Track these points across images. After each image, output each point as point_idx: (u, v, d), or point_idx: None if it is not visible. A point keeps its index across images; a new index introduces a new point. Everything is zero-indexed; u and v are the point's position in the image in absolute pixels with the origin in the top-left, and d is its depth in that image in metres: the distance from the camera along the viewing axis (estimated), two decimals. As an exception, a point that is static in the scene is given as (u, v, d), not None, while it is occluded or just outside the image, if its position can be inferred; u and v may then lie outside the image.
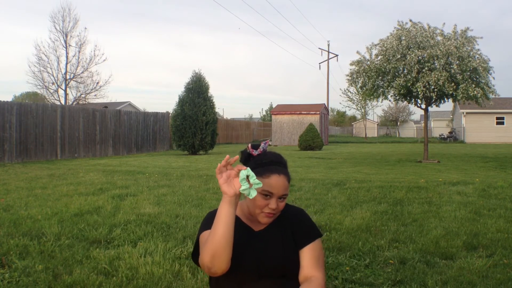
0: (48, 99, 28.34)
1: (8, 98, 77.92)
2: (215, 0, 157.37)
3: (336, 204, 6.08)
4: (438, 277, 3.18)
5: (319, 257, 1.78)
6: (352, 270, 3.35)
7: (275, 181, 1.71)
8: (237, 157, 1.68)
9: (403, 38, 13.46)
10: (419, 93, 13.24)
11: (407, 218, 5.16)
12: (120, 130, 19.05)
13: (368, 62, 13.92)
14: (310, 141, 23.02)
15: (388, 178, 9.09)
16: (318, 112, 29.96)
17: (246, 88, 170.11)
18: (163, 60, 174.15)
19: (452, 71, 12.68)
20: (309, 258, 1.75)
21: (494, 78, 13.56)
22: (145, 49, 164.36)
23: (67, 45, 27.41)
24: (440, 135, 40.63)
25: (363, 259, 3.59)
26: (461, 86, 12.72)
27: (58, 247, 3.89)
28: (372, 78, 13.87)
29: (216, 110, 20.40)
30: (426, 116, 15.09)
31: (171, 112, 21.36)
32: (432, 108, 16.13)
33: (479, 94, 12.83)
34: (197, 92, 18.96)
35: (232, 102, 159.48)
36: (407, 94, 14.27)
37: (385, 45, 13.51)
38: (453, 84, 12.86)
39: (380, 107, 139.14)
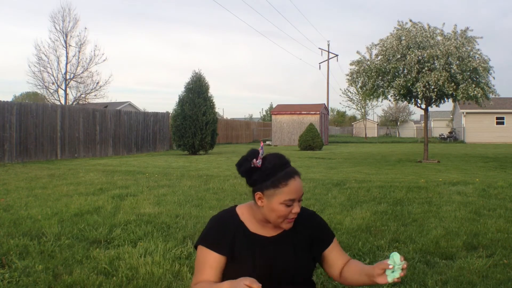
0: (48, 99, 28.35)
1: (8, 98, 77.95)
2: (215, 0, 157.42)
3: (336, 204, 6.08)
4: (438, 277, 3.18)
5: (341, 249, 1.89)
6: (352, 270, 3.35)
7: (294, 186, 1.64)
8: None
9: (403, 38, 13.46)
10: (419, 93, 13.24)
11: (407, 218, 5.16)
12: (120, 130, 19.05)
13: (368, 62, 13.92)
14: (310, 141, 23.02)
15: (388, 178, 9.09)
16: (318, 112, 29.96)
17: (246, 88, 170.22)
18: (163, 60, 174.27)
19: (452, 71, 12.67)
20: (337, 252, 1.83)
21: (494, 78, 13.58)
22: (145, 49, 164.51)
23: (67, 45, 27.43)
24: (440, 135, 40.63)
25: (363, 259, 3.59)
26: (461, 86, 12.72)
27: (58, 247, 3.89)
28: (372, 78, 13.86)
29: (216, 110, 20.42)
30: (426, 116, 15.09)
31: (171, 112, 21.37)
32: (432, 108, 16.13)
33: (479, 94, 12.83)
34: (197, 92, 18.95)
35: (232, 102, 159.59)
36: (407, 94, 14.27)
37: (385, 45, 13.51)
38: (453, 84, 12.86)
39: (380, 107, 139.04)
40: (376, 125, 60.96)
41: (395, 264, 1.54)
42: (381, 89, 14.31)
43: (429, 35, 13.26)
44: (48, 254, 3.70)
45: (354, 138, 46.79)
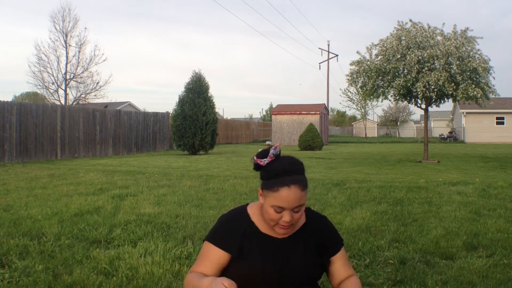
0: (48, 99, 28.36)
1: (8, 98, 77.93)
2: (215, 0, 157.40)
3: (336, 204, 6.08)
4: (438, 277, 3.18)
5: (347, 260, 1.87)
6: (352, 270, 3.35)
7: (285, 195, 1.59)
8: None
9: (403, 38, 13.46)
10: (419, 93, 13.24)
11: (407, 218, 5.16)
12: (120, 130, 19.05)
13: (368, 62, 13.92)
14: (310, 141, 23.02)
15: (388, 178, 9.09)
16: (318, 112, 29.96)
17: (246, 88, 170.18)
18: (163, 60, 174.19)
19: (452, 71, 12.67)
20: (342, 264, 1.81)
21: (494, 78, 13.57)
22: (145, 49, 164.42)
23: (67, 45, 27.43)
24: (440, 135, 40.63)
25: (363, 259, 3.59)
26: (461, 86, 12.72)
27: (58, 247, 3.89)
28: (372, 78, 13.87)
29: (216, 110, 20.42)
30: (426, 116, 15.09)
31: (171, 112, 21.37)
32: (432, 108, 16.13)
33: (479, 94, 12.83)
34: (197, 92, 18.96)
35: (232, 102, 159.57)
36: (407, 94, 14.27)
37: (385, 45, 13.52)
38: (453, 84, 12.86)
39: (380, 107, 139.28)
40: (376, 125, 60.97)
41: None
42: (381, 89, 14.31)
43: (429, 35, 13.26)
44: (48, 254, 3.70)
45: (354, 138, 46.79)
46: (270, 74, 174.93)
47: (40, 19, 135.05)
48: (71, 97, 28.13)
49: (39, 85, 27.57)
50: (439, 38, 13.36)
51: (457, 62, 12.80)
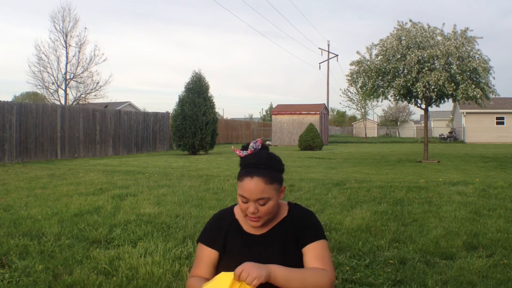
0: (48, 99, 28.37)
1: (8, 98, 77.93)
2: (215, 0, 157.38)
3: (336, 204, 6.08)
4: (438, 277, 3.18)
5: (324, 255, 1.71)
6: (352, 270, 3.35)
7: (247, 185, 1.66)
8: None
9: (403, 38, 13.46)
10: (419, 93, 13.24)
11: (407, 218, 5.16)
12: (120, 130, 19.05)
13: (368, 62, 13.92)
14: (310, 141, 23.02)
15: (388, 178, 9.09)
16: (318, 112, 29.96)
17: (246, 88, 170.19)
18: (163, 60, 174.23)
19: (452, 71, 12.67)
20: (313, 256, 1.70)
21: (494, 78, 13.57)
22: (145, 49, 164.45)
23: (67, 45, 27.45)
24: (440, 135, 40.62)
25: (363, 259, 3.59)
26: (461, 86, 12.72)
27: (58, 247, 3.89)
28: (372, 78, 13.86)
29: (216, 110, 20.42)
30: (426, 116, 15.09)
31: (171, 112, 21.37)
32: (432, 108, 16.13)
33: (479, 94, 12.83)
34: (197, 92, 18.96)
35: (232, 102, 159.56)
36: (407, 94, 14.27)
37: (385, 45, 13.52)
38: (453, 84, 12.85)
39: (380, 107, 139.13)
40: (376, 125, 60.94)
41: None
42: (381, 89, 14.32)
43: (429, 35, 13.26)
44: (48, 254, 3.70)
45: (354, 138, 46.78)
46: (270, 74, 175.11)
47: (40, 19, 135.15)
48: (71, 97, 28.16)
49: (39, 85, 27.61)
50: (439, 38, 13.36)
51: (457, 62, 12.80)
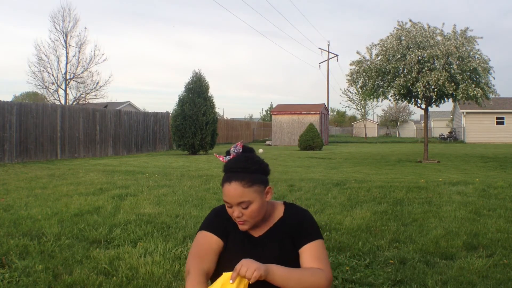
0: (48, 99, 28.35)
1: (8, 98, 77.89)
2: (215, 0, 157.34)
3: (336, 204, 6.08)
4: (438, 277, 3.18)
5: (320, 255, 1.72)
6: (352, 270, 3.35)
7: (226, 190, 1.69)
8: None
9: (403, 38, 13.46)
10: (419, 93, 13.24)
11: (407, 218, 5.16)
12: (120, 130, 19.05)
13: (368, 62, 13.93)
14: (310, 141, 23.02)
15: (388, 178, 9.09)
16: (318, 112, 29.96)
17: (246, 88, 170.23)
18: (163, 60, 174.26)
19: (452, 71, 12.67)
20: (309, 257, 1.71)
21: (494, 78, 13.58)
22: (145, 49, 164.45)
23: (67, 45, 27.44)
24: (440, 135, 40.61)
25: (363, 259, 3.59)
26: (461, 86, 12.72)
27: (58, 247, 3.89)
28: (372, 78, 13.87)
29: (216, 110, 20.41)
30: (426, 116, 15.08)
31: (171, 112, 21.37)
32: (432, 108, 16.13)
33: (479, 94, 12.83)
34: (197, 92, 18.96)
35: (232, 102, 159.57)
36: (407, 94, 14.27)
37: (385, 45, 13.52)
38: (453, 84, 12.85)
39: (380, 107, 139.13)
40: (376, 125, 60.91)
41: None
42: (381, 89, 14.31)
43: (429, 35, 13.26)
44: (48, 254, 3.70)
45: (354, 138, 46.76)
46: (270, 74, 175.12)
47: (40, 19, 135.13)
48: (71, 97, 28.15)
49: (39, 85, 27.59)
50: (439, 38, 13.36)
51: (457, 62, 12.80)
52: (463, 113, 35.37)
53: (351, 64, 14.49)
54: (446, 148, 25.61)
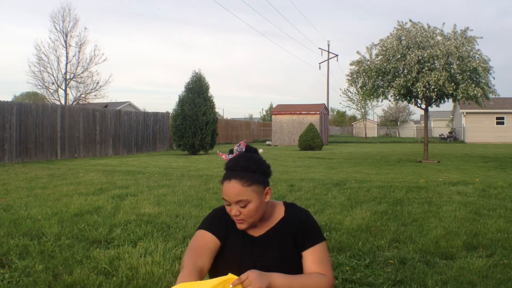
0: (48, 99, 28.33)
1: (8, 98, 77.86)
2: (215, 0, 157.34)
3: (336, 204, 6.08)
4: (438, 277, 3.18)
5: (323, 258, 1.74)
6: (352, 270, 3.35)
7: (225, 188, 1.70)
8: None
9: (403, 38, 13.46)
10: (419, 93, 13.24)
11: (407, 218, 5.16)
12: (120, 130, 19.05)
13: (368, 62, 13.92)
14: (310, 141, 23.02)
15: (388, 178, 9.09)
16: (318, 112, 29.96)
17: (246, 88, 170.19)
18: (163, 60, 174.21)
19: (452, 71, 12.67)
20: (313, 260, 1.73)
21: (494, 78, 13.60)
22: (145, 49, 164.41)
23: (67, 45, 27.41)
24: (440, 135, 40.61)
25: (363, 259, 3.59)
26: (461, 86, 12.72)
27: (58, 247, 3.89)
28: (372, 78, 13.87)
29: (216, 110, 20.42)
30: (426, 116, 15.08)
31: (171, 112, 21.36)
32: (432, 108, 16.12)
33: (479, 94, 12.83)
34: (197, 92, 18.96)
35: (232, 102, 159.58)
36: (407, 94, 14.27)
37: (385, 45, 13.51)
38: (453, 84, 12.85)
39: (380, 107, 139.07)
40: (376, 125, 60.90)
41: None
42: (381, 89, 14.31)
43: (429, 35, 13.26)
44: (48, 254, 3.70)
45: (354, 138, 46.75)
46: (270, 74, 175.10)
47: (40, 19, 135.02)
48: (71, 97, 28.13)
49: (39, 85, 27.56)
50: (439, 38, 13.36)
51: (457, 62, 12.80)
52: (463, 113, 35.37)
53: (351, 64, 14.50)
54: (446, 148, 25.61)
